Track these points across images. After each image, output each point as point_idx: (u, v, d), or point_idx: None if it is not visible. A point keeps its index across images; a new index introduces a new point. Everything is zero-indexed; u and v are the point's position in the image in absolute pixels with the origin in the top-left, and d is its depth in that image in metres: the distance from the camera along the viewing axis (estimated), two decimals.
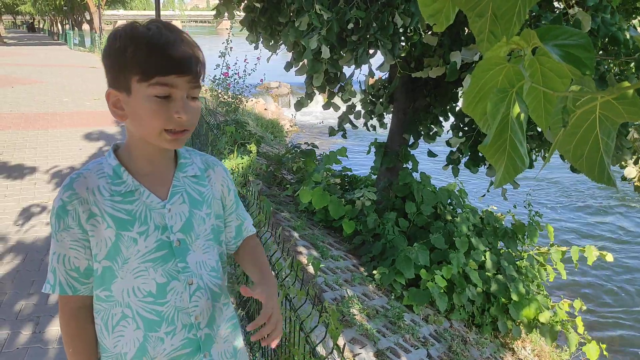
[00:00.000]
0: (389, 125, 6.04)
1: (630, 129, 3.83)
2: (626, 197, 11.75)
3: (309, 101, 5.93)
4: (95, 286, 1.14)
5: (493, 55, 0.89)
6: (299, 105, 6.07)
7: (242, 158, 3.61)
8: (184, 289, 1.15)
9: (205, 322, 1.20)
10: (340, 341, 3.34)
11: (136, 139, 1.13)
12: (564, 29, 0.80)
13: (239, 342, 1.33)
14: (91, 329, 1.18)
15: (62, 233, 1.10)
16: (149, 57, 1.02)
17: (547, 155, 5.13)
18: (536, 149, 5.28)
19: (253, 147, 4.28)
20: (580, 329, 4.93)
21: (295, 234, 4.87)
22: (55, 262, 1.12)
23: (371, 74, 4.38)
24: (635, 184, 5.12)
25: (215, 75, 10.76)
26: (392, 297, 4.50)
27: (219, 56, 10.52)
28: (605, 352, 4.75)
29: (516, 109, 0.85)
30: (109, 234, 1.10)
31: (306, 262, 4.29)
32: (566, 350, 5.31)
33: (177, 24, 6.33)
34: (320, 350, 2.93)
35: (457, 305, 4.73)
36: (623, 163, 5.06)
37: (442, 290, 4.60)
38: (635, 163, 4.49)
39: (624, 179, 5.18)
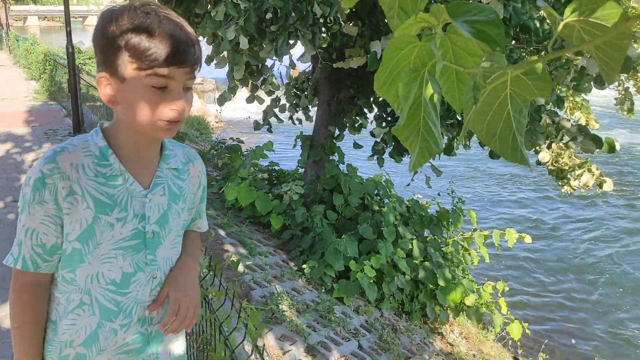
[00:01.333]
0: (314, 118, 6.01)
1: (542, 115, 3.98)
2: (541, 182, 12.39)
3: (232, 95, 5.79)
4: (62, 266, 1.10)
5: (404, 34, 0.84)
6: (222, 99, 5.91)
7: None
8: (147, 282, 1.13)
9: (158, 317, 1.17)
10: (270, 339, 3.26)
11: (125, 125, 1.07)
12: (473, 5, 0.76)
13: (184, 343, 1.29)
14: (42, 307, 1.12)
15: (35, 206, 1.04)
16: (149, 46, 0.96)
17: (467, 143, 5.22)
18: (457, 138, 5.41)
19: None
20: (504, 310, 5.12)
21: (222, 232, 4.73)
22: (22, 236, 1.07)
23: (292, 64, 4.31)
24: (549, 167, 5.36)
25: None
26: (323, 290, 4.47)
27: None
28: (527, 330, 4.96)
29: (429, 90, 0.81)
30: (87, 214, 1.05)
31: (234, 260, 4.17)
32: (492, 331, 5.50)
33: (94, 20, 5.95)
34: (248, 350, 2.83)
35: (387, 294, 4.77)
36: (537, 148, 5.29)
37: (371, 281, 4.62)
38: (549, 147, 4.69)
39: (538, 163, 5.41)
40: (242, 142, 6.93)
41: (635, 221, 10.43)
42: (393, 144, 4.90)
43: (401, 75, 0.86)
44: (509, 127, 0.76)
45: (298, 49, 4.54)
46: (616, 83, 5.63)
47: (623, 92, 5.62)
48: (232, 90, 5.70)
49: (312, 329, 3.63)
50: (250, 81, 5.53)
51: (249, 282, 3.84)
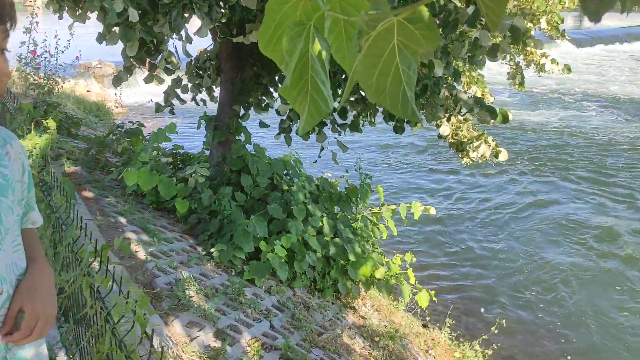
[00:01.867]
0: (218, 98, 5.82)
1: (441, 88, 4.09)
2: (445, 156, 12.93)
3: (128, 75, 5.48)
4: None
5: None
6: (118, 80, 5.58)
7: (40, 137, 3.15)
8: None
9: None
10: (176, 326, 3.12)
11: None
12: None
13: (44, 347, 1.12)
14: None
15: None
16: None
17: (373, 119, 5.25)
18: (362, 114, 5.46)
19: (51, 123, 3.78)
20: (412, 280, 5.28)
21: (122, 220, 4.48)
22: None
23: (188, 39, 4.11)
24: (450, 140, 5.55)
25: (21, 54, 9.53)
26: (233, 273, 4.37)
27: (24, 32, 9.31)
28: (434, 298, 5.15)
29: (316, 46, 0.76)
30: None
31: (135, 248, 3.96)
32: (402, 301, 5.67)
33: None
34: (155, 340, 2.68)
35: (299, 273, 4.75)
36: (439, 122, 5.46)
37: (282, 260, 4.57)
38: (448, 120, 4.85)
39: (440, 137, 5.59)
40: (143, 125, 6.59)
41: (531, 190, 11.17)
42: (299, 121, 4.84)
43: (286, 31, 0.79)
44: (399, 81, 0.72)
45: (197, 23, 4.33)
46: (507, 58, 5.93)
47: (514, 67, 5.92)
48: (129, 70, 5.39)
49: (222, 313, 3.53)
50: (147, 60, 5.25)
51: (153, 270, 3.66)
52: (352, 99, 4.53)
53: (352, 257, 4.93)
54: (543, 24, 5.55)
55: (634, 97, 20.84)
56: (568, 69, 5.66)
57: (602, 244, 8.68)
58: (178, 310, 3.28)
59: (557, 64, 5.70)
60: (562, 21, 5.65)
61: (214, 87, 5.92)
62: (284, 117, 5.01)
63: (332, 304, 4.88)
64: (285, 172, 5.82)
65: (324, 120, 4.76)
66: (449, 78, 4.46)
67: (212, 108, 6.08)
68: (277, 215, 4.94)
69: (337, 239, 5.09)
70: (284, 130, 5.05)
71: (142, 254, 3.86)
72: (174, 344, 2.80)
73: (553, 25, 5.63)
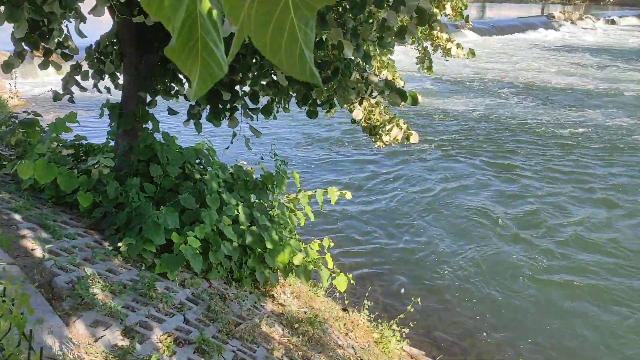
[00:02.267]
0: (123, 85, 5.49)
1: (352, 71, 4.09)
2: (359, 143, 13.14)
3: (19, 61, 5.06)
4: None
5: None
6: (8, 66, 5.15)
7: None
8: None
9: None
10: (79, 327, 2.90)
11: None
12: None
13: None
14: None
15: None
16: None
17: (287, 105, 5.17)
18: (276, 101, 5.36)
19: None
20: (330, 265, 5.29)
21: (17, 217, 4.12)
22: None
23: (82, 18, 3.82)
24: (363, 124, 5.58)
25: None
26: (143, 267, 4.15)
27: None
28: (352, 281, 5.20)
29: (206, 4, 0.68)
30: None
31: (32, 246, 3.65)
32: (321, 287, 5.68)
33: None
34: (50, 343, 2.48)
35: (215, 264, 4.61)
36: (351, 107, 5.48)
37: (196, 251, 4.40)
38: (360, 104, 4.87)
39: (353, 121, 5.60)
40: (39, 115, 6.11)
41: (446, 174, 11.59)
42: (209, 106, 4.67)
43: None
44: (295, 39, 0.65)
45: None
46: (417, 43, 6.05)
47: (422, 51, 6.05)
48: (20, 55, 4.98)
49: (131, 310, 3.33)
50: (41, 44, 4.86)
51: (52, 268, 3.38)
52: (263, 82, 4.42)
53: (269, 245, 4.85)
54: (448, 9, 5.70)
55: (546, 84, 22.22)
56: (472, 53, 5.87)
57: (511, 227, 9.19)
58: (81, 310, 3.05)
59: (462, 48, 5.89)
60: (466, 7, 5.83)
61: (117, 73, 5.59)
62: (193, 103, 4.81)
63: (250, 293, 4.79)
64: (197, 161, 5.63)
65: (235, 105, 4.62)
66: (360, 62, 4.47)
67: (118, 96, 5.75)
68: (190, 206, 4.75)
69: (253, 227, 4.98)
70: (193, 116, 4.86)
71: (39, 252, 3.56)
72: (75, 345, 2.60)
73: (457, 11, 5.81)
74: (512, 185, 10.98)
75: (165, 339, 3.18)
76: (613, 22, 50.68)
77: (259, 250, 4.90)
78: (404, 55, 13.96)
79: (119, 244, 4.25)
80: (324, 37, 3.45)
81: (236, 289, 4.71)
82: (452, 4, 5.74)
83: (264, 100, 5.23)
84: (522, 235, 8.69)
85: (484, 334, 6.35)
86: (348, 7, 3.42)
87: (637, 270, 7.84)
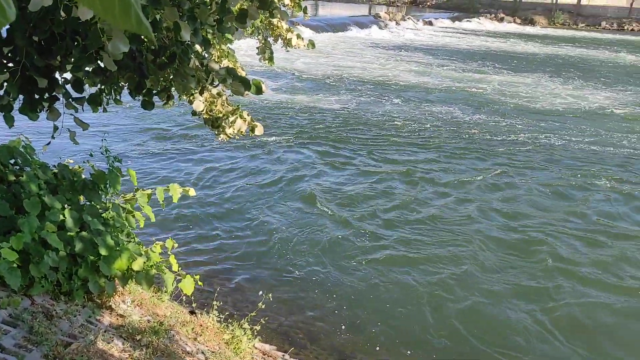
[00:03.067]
0: None
1: (191, 57, 3.80)
2: (202, 136, 12.69)
3: None
4: None
5: None
6: None
7: None
8: None
9: None
10: None
11: None
12: None
13: None
14: None
15: None
16: None
17: (118, 97, 4.68)
18: (105, 91, 4.82)
19: None
20: (175, 267, 4.94)
21: None
22: None
23: None
24: (204, 116, 5.30)
25: None
26: None
27: None
28: (200, 283, 4.90)
29: None
30: None
31: None
32: (166, 291, 5.28)
33: None
34: None
35: (37, 277, 4.00)
36: (191, 98, 5.15)
37: (13, 265, 3.77)
38: (201, 94, 4.58)
39: (194, 113, 5.29)
40: None
41: (285, 160, 11.66)
42: (22, 96, 4.01)
43: None
44: None
45: None
46: (257, 32, 5.90)
47: (263, 42, 5.93)
48: None
49: None
50: None
51: None
52: (88, 69, 3.91)
53: (103, 251, 4.35)
54: (287, 0, 5.63)
55: (378, 79, 23.53)
56: (312, 44, 5.89)
57: (359, 207, 9.53)
58: None
59: (302, 39, 5.89)
60: None
61: None
62: (1, 93, 4.11)
63: (83, 307, 4.26)
64: (12, 160, 4.88)
65: (55, 94, 4.02)
66: (200, 48, 4.18)
67: None
68: (3, 212, 4.08)
69: (84, 233, 4.44)
70: (2, 108, 4.14)
71: None
72: None
73: (296, 2, 5.77)
74: (348, 172, 11.43)
75: None
76: (431, 23, 55.84)
77: (92, 257, 4.38)
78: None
79: None
80: (157, 16, 3.11)
81: (65, 303, 4.15)
82: None
83: (93, 90, 4.67)
84: (355, 222, 9.06)
85: (334, 321, 6.47)
86: None
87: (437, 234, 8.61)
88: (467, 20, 61.63)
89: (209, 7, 3.33)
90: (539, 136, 15.35)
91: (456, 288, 7.28)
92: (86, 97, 4.02)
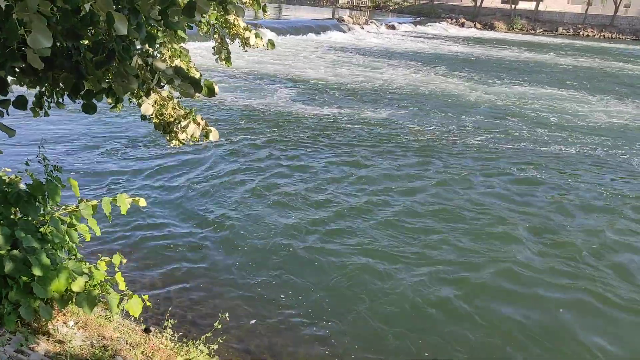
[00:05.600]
0: None
1: (134, 54, 3.42)
2: (153, 140, 12.14)
3: None
4: None
5: None
6: None
7: None
8: None
9: None
10: None
11: None
12: None
13: None
14: None
15: None
16: None
17: (60, 101, 4.23)
18: (46, 93, 4.38)
19: None
20: (122, 286, 4.50)
21: None
22: None
23: None
24: (154, 121, 4.90)
25: None
26: None
27: None
28: (148, 303, 4.49)
29: None
30: None
31: None
32: (110, 314, 4.84)
33: None
34: None
35: None
36: (140, 101, 4.74)
37: None
38: (147, 95, 4.18)
39: (143, 117, 4.88)
40: None
41: (240, 162, 11.26)
42: None
43: None
44: None
45: None
46: (212, 30, 5.52)
47: (219, 41, 5.55)
48: None
49: None
50: None
51: None
52: (16, 68, 3.47)
53: (37, 272, 3.90)
54: None
55: (335, 81, 23.31)
56: (272, 44, 5.55)
57: (320, 216, 9.21)
58: None
59: (261, 38, 5.54)
60: None
61: None
62: None
63: (14, 334, 3.80)
64: None
65: None
66: (145, 46, 3.79)
67: None
68: None
69: (15, 252, 3.98)
70: None
71: None
72: None
73: (254, 0, 5.43)
74: (307, 175, 11.12)
75: None
76: (393, 27, 56.16)
77: (25, 278, 3.92)
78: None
79: None
80: (87, 5, 2.72)
81: None
82: None
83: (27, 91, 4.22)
84: (318, 232, 8.76)
85: (297, 337, 6.13)
86: None
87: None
88: (429, 25, 62.34)
89: None
90: (495, 135, 15.43)
91: (419, 292, 7.06)
92: (12, 100, 3.57)
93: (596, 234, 9.19)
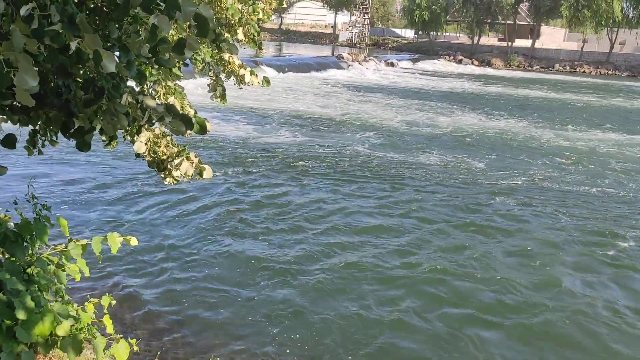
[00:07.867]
0: None
1: (124, 92, 3.37)
2: (146, 178, 12.07)
3: None
4: None
5: None
6: None
7: None
8: None
9: None
10: None
11: None
12: None
13: None
14: None
15: None
16: None
17: (53, 138, 4.16)
18: (40, 132, 4.32)
19: None
20: (110, 329, 4.34)
21: None
22: None
23: None
24: (148, 159, 4.83)
25: None
26: None
27: None
28: (136, 347, 4.31)
29: None
30: None
31: None
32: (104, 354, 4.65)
33: None
34: None
35: None
36: (134, 139, 4.68)
37: None
38: (138, 133, 4.12)
39: (137, 155, 4.81)
40: None
41: (233, 197, 11.16)
42: None
43: None
44: None
45: None
46: (207, 68, 5.50)
47: (214, 78, 5.53)
48: None
49: None
50: None
51: None
52: (5, 104, 3.42)
53: (21, 315, 3.76)
54: (240, 35, 5.29)
55: (326, 115, 23.44)
56: (267, 81, 5.52)
57: (313, 252, 9.06)
58: None
59: (257, 75, 5.52)
60: (259, 33, 5.49)
61: None
62: None
63: None
64: None
65: None
66: (134, 82, 3.75)
67: None
68: None
69: None
70: None
71: None
72: None
73: (250, 38, 5.43)
74: (303, 211, 11.00)
75: None
76: (392, 64, 56.95)
77: (8, 322, 3.78)
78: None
79: None
80: (73, 44, 2.67)
81: None
82: (244, 30, 5.35)
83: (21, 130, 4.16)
84: (309, 268, 8.60)
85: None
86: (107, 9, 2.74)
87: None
88: (428, 62, 63.26)
89: (139, 35, 2.92)
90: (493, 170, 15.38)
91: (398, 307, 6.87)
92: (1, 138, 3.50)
93: None
